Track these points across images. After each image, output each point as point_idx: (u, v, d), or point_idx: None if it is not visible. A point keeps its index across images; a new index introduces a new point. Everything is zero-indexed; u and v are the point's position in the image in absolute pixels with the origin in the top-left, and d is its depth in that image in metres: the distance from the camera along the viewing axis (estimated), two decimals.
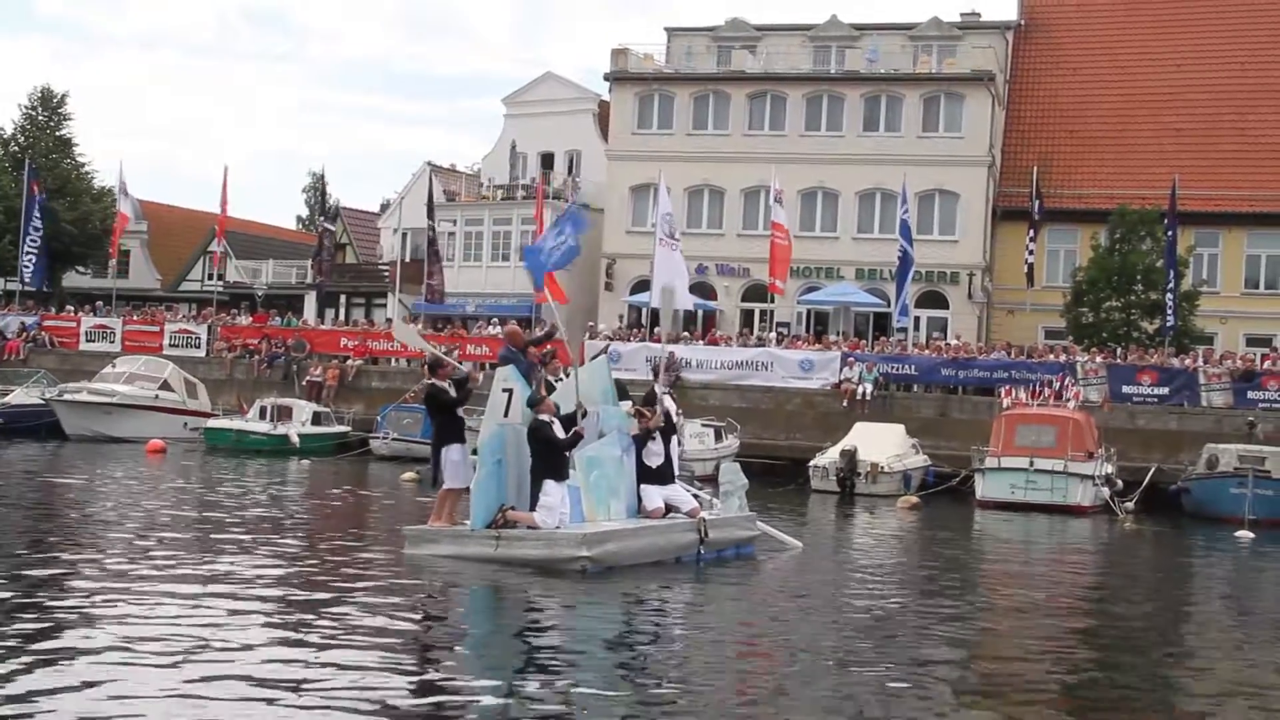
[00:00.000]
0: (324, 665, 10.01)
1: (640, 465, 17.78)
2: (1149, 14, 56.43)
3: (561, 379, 17.81)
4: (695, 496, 18.59)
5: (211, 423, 38.59)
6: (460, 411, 16.96)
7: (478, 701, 9.41)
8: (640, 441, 17.74)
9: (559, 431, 15.94)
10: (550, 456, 15.83)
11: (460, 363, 18.54)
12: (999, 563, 22.23)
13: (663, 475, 17.90)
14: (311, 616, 12.04)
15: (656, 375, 19.66)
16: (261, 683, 9.32)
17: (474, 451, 16.46)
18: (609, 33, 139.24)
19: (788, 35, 54.62)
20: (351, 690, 9.30)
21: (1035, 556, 23.80)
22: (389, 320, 47.50)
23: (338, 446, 38.88)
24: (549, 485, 15.79)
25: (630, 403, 18.42)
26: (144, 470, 29.36)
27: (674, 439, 18.64)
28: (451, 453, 16.62)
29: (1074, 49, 55.74)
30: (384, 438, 37.75)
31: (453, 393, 16.88)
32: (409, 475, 30.80)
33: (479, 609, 14.05)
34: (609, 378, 18.13)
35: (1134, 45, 55.18)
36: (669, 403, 18.71)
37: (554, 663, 10.92)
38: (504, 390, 16.19)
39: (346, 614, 12.24)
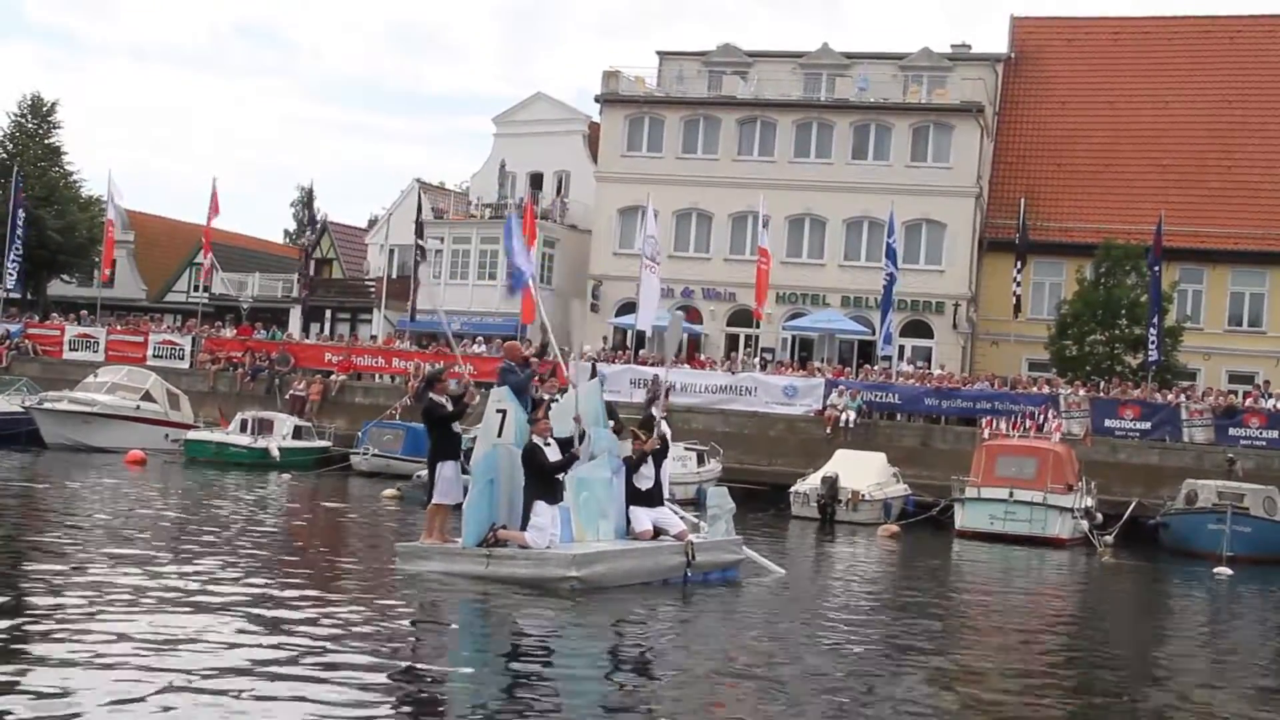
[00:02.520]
0: (310, 679, 10.02)
1: (630, 487, 17.89)
2: (1138, 50, 56.74)
3: (558, 398, 17.90)
4: (682, 519, 18.65)
5: (192, 435, 38.43)
6: (457, 428, 17.01)
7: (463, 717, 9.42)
8: (633, 464, 17.83)
9: (554, 455, 16.08)
10: (543, 478, 15.98)
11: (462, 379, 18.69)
12: (976, 594, 22.23)
13: (652, 498, 18.04)
14: (298, 630, 12.04)
15: (652, 402, 19.69)
16: (246, 696, 9.31)
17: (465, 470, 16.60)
18: (600, 55, 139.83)
19: (779, 62, 54.84)
20: (337, 705, 9.31)
21: (1012, 588, 23.81)
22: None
23: (318, 461, 38.77)
24: (540, 506, 15.92)
25: (615, 422, 18.53)
26: (122, 480, 29.24)
27: (665, 463, 18.77)
28: (445, 469, 16.72)
29: (1063, 83, 56.00)
30: (364, 453, 37.66)
31: (449, 407, 16.96)
32: (390, 492, 30.75)
33: (468, 626, 14.08)
34: (600, 400, 18.19)
35: (1122, 81, 55.45)
36: (664, 427, 18.84)
37: (540, 682, 10.95)
38: (498, 411, 16.35)
39: (333, 630, 12.25)
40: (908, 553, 27.74)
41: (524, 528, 15.92)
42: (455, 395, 17.33)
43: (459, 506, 16.54)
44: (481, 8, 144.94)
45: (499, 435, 16.28)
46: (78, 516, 21.13)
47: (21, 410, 38.20)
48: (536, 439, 16.03)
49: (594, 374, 20.25)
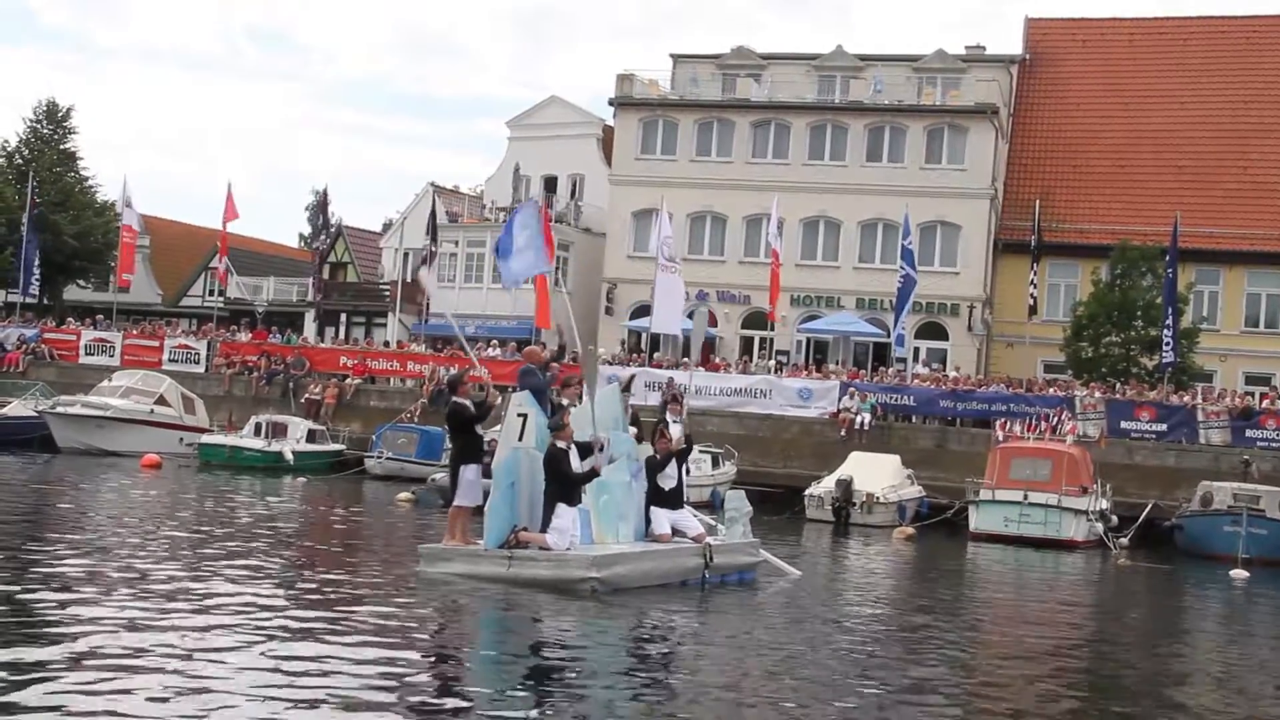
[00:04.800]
0: (331, 680, 10.04)
1: (653, 487, 17.97)
2: (1153, 51, 56.66)
3: (577, 404, 17.94)
4: (700, 522, 18.70)
5: (206, 438, 38.46)
6: (479, 431, 17.09)
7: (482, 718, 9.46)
8: (657, 464, 17.94)
9: (575, 460, 16.19)
10: (564, 481, 16.07)
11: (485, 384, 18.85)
12: (991, 596, 22.17)
13: (674, 499, 18.14)
14: (319, 630, 12.08)
15: (666, 406, 19.71)
16: (264, 697, 9.31)
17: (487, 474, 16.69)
18: (614, 58, 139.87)
19: (793, 64, 54.79)
20: (357, 705, 9.34)
21: (1027, 591, 23.71)
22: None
23: (333, 465, 38.79)
24: (561, 509, 16.03)
25: (636, 428, 18.65)
26: (138, 483, 29.30)
27: (685, 464, 18.85)
28: (467, 471, 16.81)
29: (1078, 84, 55.91)
30: (379, 457, 37.68)
31: (473, 409, 17.01)
32: (405, 495, 30.75)
33: (490, 626, 14.14)
34: (619, 405, 18.23)
35: (1137, 82, 55.37)
36: (677, 430, 18.89)
37: (561, 682, 10.98)
38: (519, 415, 16.50)
39: (355, 631, 12.29)
40: (922, 555, 27.68)
41: (545, 530, 16.01)
42: (478, 401, 17.38)
43: (480, 509, 16.62)
44: (494, 11, 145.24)
45: (520, 439, 16.40)
46: (94, 518, 21.16)
47: (35, 414, 38.26)
48: (560, 444, 16.11)
49: (627, 387, 20.17)
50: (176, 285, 67.95)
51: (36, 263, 51.26)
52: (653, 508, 17.93)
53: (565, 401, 17.52)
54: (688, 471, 19.50)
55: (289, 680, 9.88)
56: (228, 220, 51.69)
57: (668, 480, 18.02)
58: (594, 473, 16.37)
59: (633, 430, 18.58)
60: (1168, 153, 52.96)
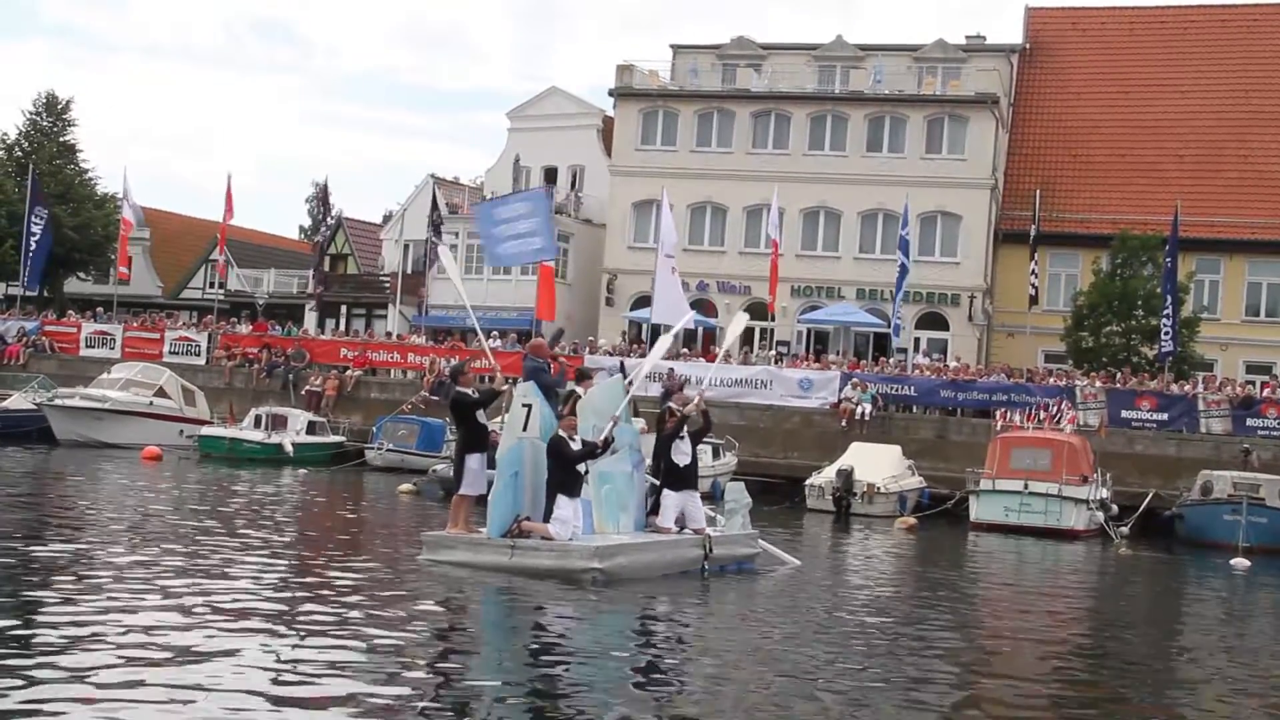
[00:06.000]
0: (333, 667, 10.06)
1: (668, 463, 18.05)
2: (1153, 40, 56.59)
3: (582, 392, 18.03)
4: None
5: (206, 430, 38.40)
6: (483, 420, 17.13)
7: (486, 705, 9.50)
8: (668, 437, 18.07)
9: (576, 445, 16.25)
10: (566, 471, 16.16)
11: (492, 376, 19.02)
12: (992, 586, 22.16)
13: (688, 476, 18.25)
14: (324, 615, 12.12)
15: (668, 395, 19.74)
16: (268, 685, 9.34)
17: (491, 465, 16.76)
18: (614, 49, 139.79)
19: (793, 54, 54.71)
20: (359, 694, 9.35)
21: (1028, 580, 23.70)
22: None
23: (334, 456, 38.71)
24: (563, 499, 16.14)
25: (644, 421, 18.71)
26: (138, 475, 29.28)
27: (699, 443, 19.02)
28: (471, 460, 16.92)
29: (1078, 73, 55.85)
30: (379, 448, 37.61)
31: (474, 397, 17.12)
32: (406, 487, 30.76)
33: (492, 614, 14.21)
34: (621, 395, 18.27)
35: (1138, 71, 55.32)
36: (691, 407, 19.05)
37: (562, 670, 10.99)
38: (523, 405, 16.59)
39: (358, 618, 12.32)
40: (923, 545, 27.67)
41: (547, 520, 16.09)
42: (483, 390, 17.54)
43: (483, 498, 16.73)
44: (495, 3, 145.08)
45: (524, 429, 16.48)
46: (96, 511, 21.17)
47: (33, 407, 38.20)
48: (563, 433, 16.19)
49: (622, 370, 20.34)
50: (177, 278, 67.94)
51: (35, 252, 51.03)
52: (665, 490, 18.03)
53: (581, 390, 17.60)
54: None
55: (290, 668, 9.90)
56: (226, 218, 51.67)
57: (682, 456, 18.11)
58: (593, 445, 16.41)
59: (640, 424, 18.62)
60: (1168, 142, 52.92)
